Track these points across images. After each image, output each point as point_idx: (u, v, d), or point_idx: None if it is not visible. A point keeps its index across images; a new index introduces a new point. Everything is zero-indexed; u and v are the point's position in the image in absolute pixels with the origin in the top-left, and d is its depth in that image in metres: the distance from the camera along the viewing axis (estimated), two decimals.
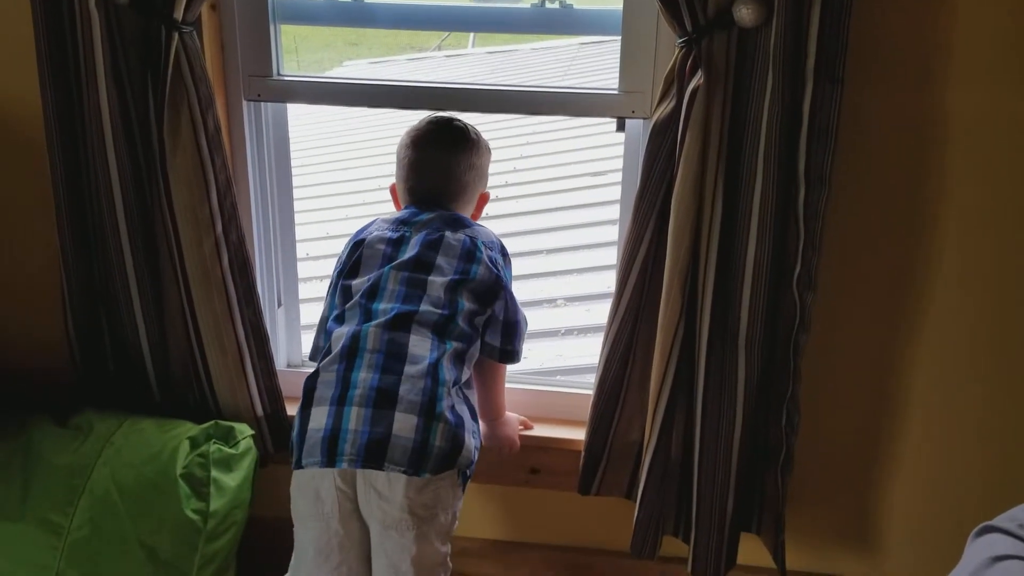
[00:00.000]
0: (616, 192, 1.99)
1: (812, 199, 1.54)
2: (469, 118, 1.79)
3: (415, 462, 1.50)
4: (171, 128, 1.65)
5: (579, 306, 3.10)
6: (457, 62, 5.79)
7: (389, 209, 1.85)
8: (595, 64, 4.90)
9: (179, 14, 1.58)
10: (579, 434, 1.83)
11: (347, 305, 1.65)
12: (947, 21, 1.55)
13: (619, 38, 1.69)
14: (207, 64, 1.67)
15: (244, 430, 1.75)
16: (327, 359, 1.60)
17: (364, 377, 1.55)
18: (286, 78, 1.82)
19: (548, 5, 2.00)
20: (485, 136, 1.78)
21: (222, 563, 1.70)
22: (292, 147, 1.95)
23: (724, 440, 1.68)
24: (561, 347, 2.86)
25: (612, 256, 1.88)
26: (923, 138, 1.62)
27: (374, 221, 1.75)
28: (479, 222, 1.77)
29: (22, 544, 1.64)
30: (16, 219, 1.90)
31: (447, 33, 5.73)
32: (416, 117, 1.80)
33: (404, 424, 1.51)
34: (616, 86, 1.72)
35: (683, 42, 1.50)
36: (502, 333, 1.69)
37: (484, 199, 1.81)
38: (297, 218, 2.00)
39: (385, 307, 1.61)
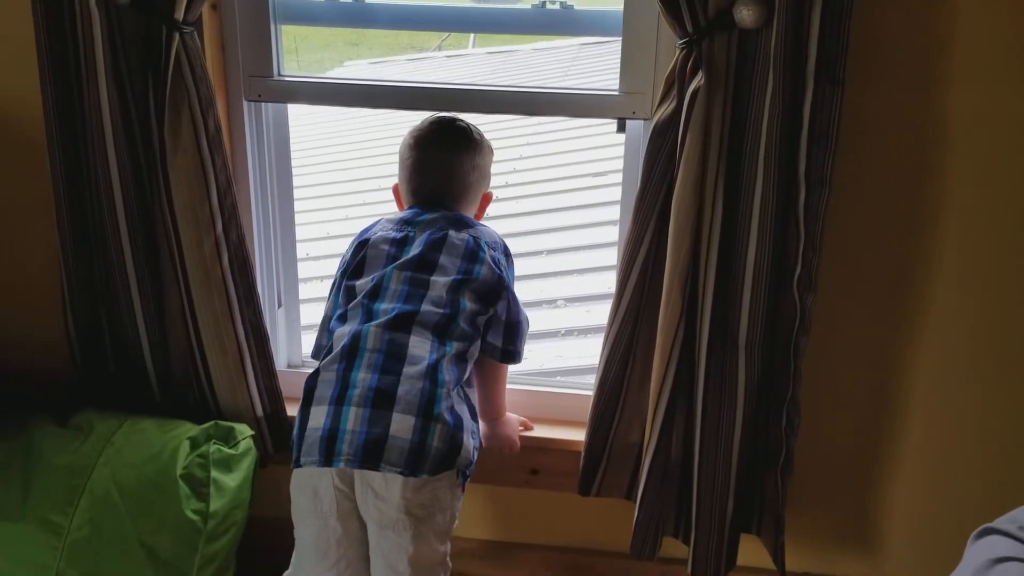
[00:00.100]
0: (616, 193, 1.99)
1: (812, 200, 1.54)
2: (470, 118, 1.79)
3: (412, 463, 1.50)
4: (171, 128, 1.65)
5: (579, 307, 3.10)
6: (457, 62, 5.79)
7: (389, 209, 1.85)
8: (596, 65, 4.90)
9: (180, 14, 1.58)
10: (579, 435, 1.83)
11: (350, 305, 1.65)
12: (947, 22, 1.55)
13: (620, 39, 1.69)
14: (208, 64, 1.67)
15: (244, 430, 1.75)
16: (328, 358, 1.61)
17: (363, 377, 1.55)
18: (287, 78, 1.82)
19: (549, 6, 2.00)
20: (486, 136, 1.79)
21: (222, 563, 1.70)
22: (292, 147, 1.95)
23: (724, 441, 1.68)
24: (561, 348, 2.86)
25: (612, 257, 1.88)
26: (923, 139, 1.62)
27: (378, 221, 1.75)
28: (482, 222, 1.77)
29: (22, 544, 1.64)
30: (16, 219, 1.90)
31: (447, 33, 5.73)
32: (417, 118, 1.80)
33: (402, 425, 1.51)
34: (617, 87, 1.72)
35: (684, 43, 1.50)
36: (504, 333, 1.69)
37: (487, 199, 1.82)
38: (297, 218, 2.00)
39: (387, 307, 1.61)
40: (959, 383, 1.77)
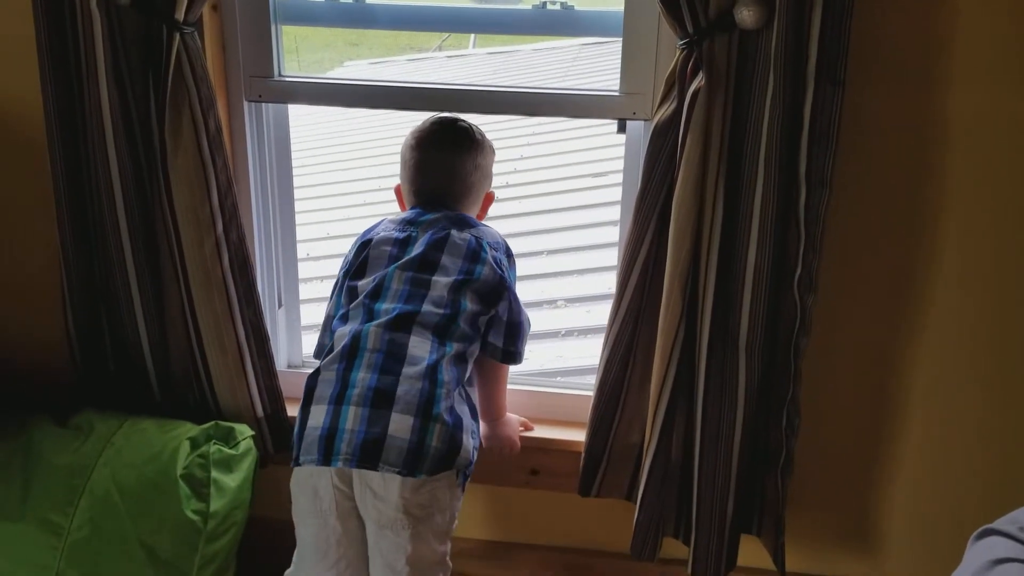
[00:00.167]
0: (617, 193, 1.99)
1: (813, 201, 1.54)
2: (471, 119, 1.79)
3: (410, 463, 1.50)
4: (172, 128, 1.65)
5: (579, 307, 3.10)
6: (458, 63, 5.79)
7: (390, 209, 1.85)
8: (596, 65, 4.90)
9: (180, 14, 1.58)
10: (579, 436, 1.83)
11: (351, 304, 1.65)
12: (947, 22, 1.55)
13: (620, 39, 1.69)
14: (208, 65, 1.67)
15: (244, 431, 1.75)
16: (328, 358, 1.61)
17: (363, 377, 1.55)
18: (287, 79, 1.82)
19: (549, 6, 2.00)
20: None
21: (222, 563, 1.70)
22: (293, 147, 1.95)
23: (724, 442, 1.68)
24: (561, 348, 2.86)
25: (613, 257, 1.88)
26: (923, 139, 1.62)
27: (381, 221, 1.75)
28: (484, 222, 1.77)
29: (22, 544, 1.64)
30: (16, 218, 1.90)
31: (448, 34, 5.73)
32: (417, 118, 1.80)
33: (400, 425, 1.51)
34: (617, 88, 1.72)
35: (684, 44, 1.50)
36: (505, 334, 1.69)
37: (489, 199, 1.82)
38: (298, 218, 2.00)
39: (388, 307, 1.61)
40: (959, 383, 1.77)
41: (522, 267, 1.82)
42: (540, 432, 1.90)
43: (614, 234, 2.37)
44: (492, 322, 1.68)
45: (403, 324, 1.59)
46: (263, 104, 1.86)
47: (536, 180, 4.16)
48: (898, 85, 1.59)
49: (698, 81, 1.49)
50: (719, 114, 1.52)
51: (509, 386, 1.83)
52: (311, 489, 1.58)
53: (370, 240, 1.71)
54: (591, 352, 2.20)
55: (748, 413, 1.66)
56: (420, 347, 1.58)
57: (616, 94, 1.73)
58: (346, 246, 1.77)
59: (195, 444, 1.70)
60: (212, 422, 1.75)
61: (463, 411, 1.59)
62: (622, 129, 1.83)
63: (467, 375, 1.64)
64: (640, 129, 1.75)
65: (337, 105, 1.94)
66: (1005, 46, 1.56)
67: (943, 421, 1.80)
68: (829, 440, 1.83)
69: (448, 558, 1.63)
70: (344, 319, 1.65)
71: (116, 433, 1.73)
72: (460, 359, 1.61)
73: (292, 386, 1.84)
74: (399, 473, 1.50)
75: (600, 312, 2.85)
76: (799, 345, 1.63)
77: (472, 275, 1.65)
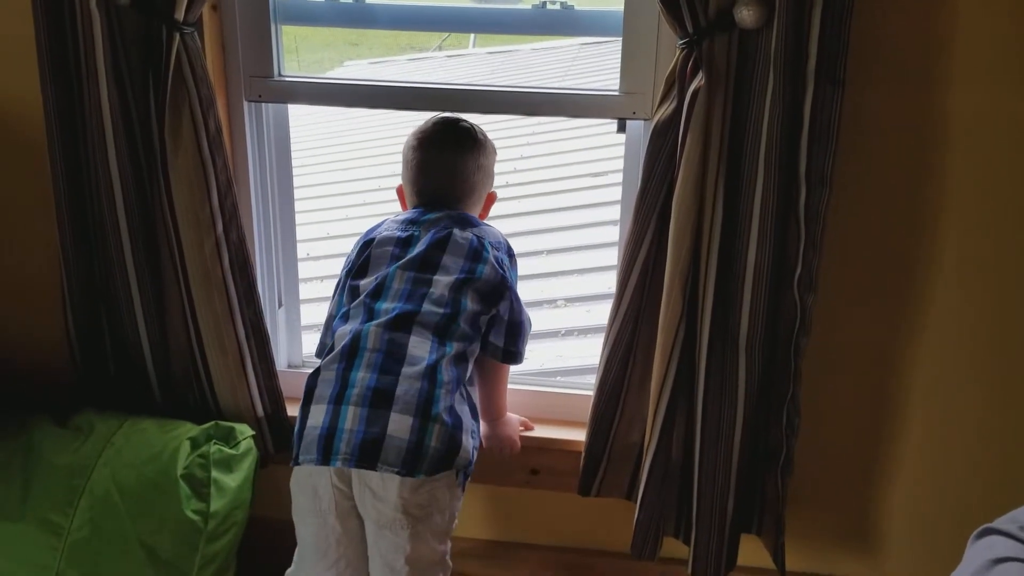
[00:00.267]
0: (617, 193, 1.99)
1: (813, 200, 1.54)
2: (471, 118, 1.79)
3: (409, 463, 1.50)
4: (172, 128, 1.65)
5: (579, 307, 3.10)
6: (458, 62, 5.79)
7: (390, 209, 1.85)
8: (596, 65, 4.90)
9: (180, 14, 1.58)
10: (579, 435, 1.83)
11: (353, 304, 1.65)
12: (947, 22, 1.55)
13: (620, 39, 1.69)
14: (208, 65, 1.67)
15: (244, 431, 1.75)
16: (328, 358, 1.61)
17: (362, 377, 1.55)
18: (287, 79, 1.82)
19: (549, 6, 2.00)
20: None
21: (222, 563, 1.70)
22: (293, 147, 1.95)
23: (724, 442, 1.68)
24: (561, 348, 2.86)
25: (613, 257, 1.88)
26: (923, 139, 1.62)
27: (384, 221, 1.75)
28: (485, 221, 1.77)
29: (22, 544, 1.64)
30: (16, 219, 1.90)
31: (447, 33, 5.73)
32: (417, 118, 1.80)
33: (400, 424, 1.51)
34: (617, 87, 1.72)
35: (684, 43, 1.50)
36: (506, 333, 1.69)
37: (491, 199, 1.82)
38: (298, 218, 2.00)
39: (388, 307, 1.61)
40: (959, 383, 1.77)
41: (522, 267, 1.82)
42: (540, 432, 1.90)
43: (614, 234, 2.37)
44: (493, 322, 1.68)
45: (403, 324, 1.59)
46: (263, 104, 1.86)
47: (536, 180, 4.16)
48: (898, 85, 1.59)
49: (698, 80, 1.49)
50: (719, 113, 1.52)
51: (509, 386, 1.83)
52: (310, 488, 1.58)
53: (372, 239, 1.71)
54: (591, 352, 2.20)
55: (748, 412, 1.66)
56: (420, 347, 1.58)
57: (616, 94, 1.73)
58: (346, 246, 1.77)
59: (195, 444, 1.70)
60: (212, 422, 1.75)
61: (463, 411, 1.59)
62: (622, 129, 1.83)
63: (468, 375, 1.64)
64: (640, 129, 1.75)
65: (337, 105, 1.94)
66: (1005, 46, 1.56)
67: (943, 421, 1.80)
68: (829, 440, 1.83)
69: (448, 558, 1.63)
70: (345, 318, 1.65)
71: (116, 433, 1.73)
72: (460, 359, 1.61)
73: (292, 386, 1.84)
74: (398, 473, 1.50)
75: (600, 312, 2.85)
76: (799, 344, 1.63)
77: (474, 274, 1.65)
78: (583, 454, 1.81)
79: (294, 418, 1.62)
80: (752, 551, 1.83)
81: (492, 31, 4.10)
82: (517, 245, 1.80)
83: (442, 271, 1.64)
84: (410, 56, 6.07)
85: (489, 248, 1.68)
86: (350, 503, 1.57)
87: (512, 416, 1.85)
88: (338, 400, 1.55)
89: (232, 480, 1.69)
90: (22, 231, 1.90)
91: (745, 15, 1.45)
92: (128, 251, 1.74)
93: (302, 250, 2.10)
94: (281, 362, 2.02)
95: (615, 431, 1.78)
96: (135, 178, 1.71)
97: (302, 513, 1.62)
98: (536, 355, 2.75)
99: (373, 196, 4.10)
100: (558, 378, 2.19)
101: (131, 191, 1.71)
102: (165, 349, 1.82)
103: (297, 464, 1.58)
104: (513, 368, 1.79)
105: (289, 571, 1.67)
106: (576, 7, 1.86)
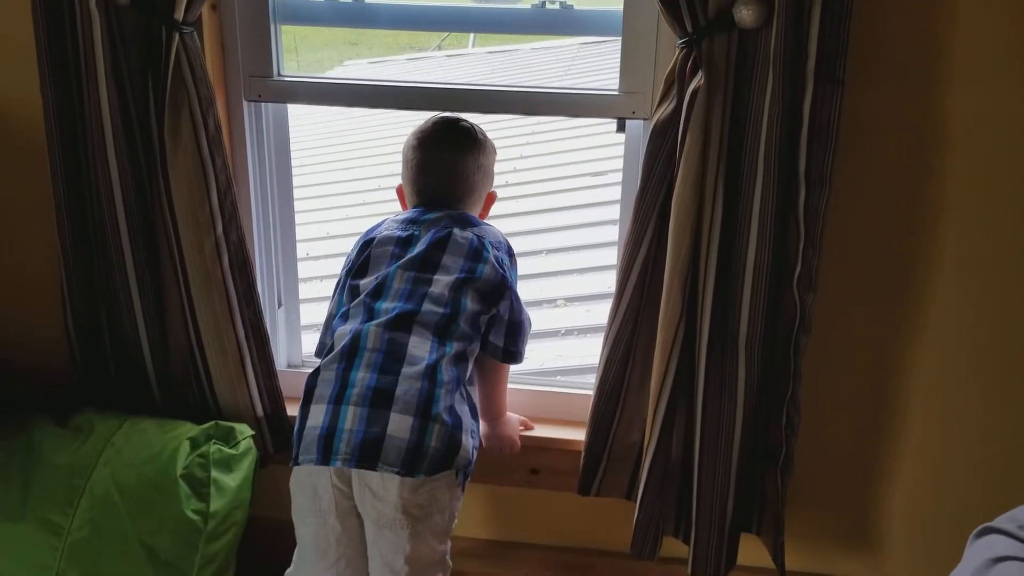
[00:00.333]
0: (616, 192, 1.99)
1: (812, 200, 1.54)
2: (471, 118, 1.79)
3: (409, 463, 1.50)
4: (171, 128, 1.65)
5: (579, 306, 3.10)
6: (457, 62, 5.79)
7: (389, 209, 1.85)
8: (595, 64, 4.90)
9: (179, 14, 1.58)
10: (579, 435, 1.83)
11: (352, 303, 1.65)
12: (947, 22, 1.55)
13: (619, 39, 1.69)
14: (207, 64, 1.67)
15: (244, 430, 1.75)
16: (328, 357, 1.61)
17: (362, 376, 1.55)
18: (286, 79, 1.82)
19: (549, 6, 2.00)
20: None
21: (222, 563, 1.70)
22: (292, 147, 1.95)
23: (724, 441, 1.68)
24: (561, 347, 2.86)
25: (612, 256, 1.88)
26: (923, 138, 1.62)
27: (384, 221, 1.75)
28: (485, 221, 1.77)
29: (22, 544, 1.64)
30: (16, 219, 1.90)
31: (447, 33, 5.73)
32: (417, 117, 1.80)
33: (399, 424, 1.51)
34: (616, 87, 1.72)
35: (683, 43, 1.50)
36: (506, 333, 1.69)
37: (491, 199, 1.82)
38: (297, 218, 2.00)
39: (388, 306, 1.61)
40: (959, 383, 1.77)
41: (522, 266, 1.82)
42: (540, 431, 1.90)
43: (613, 233, 2.37)
44: (493, 321, 1.68)
45: (403, 323, 1.59)
46: (263, 104, 1.86)
47: (535, 179, 4.16)
48: (898, 85, 1.59)
49: (697, 80, 1.49)
50: (718, 113, 1.52)
51: (509, 386, 1.83)
52: (310, 488, 1.58)
53: (372, 239, 1.71)
54: (591, 351, 2.20)
55: (748, 411, 1.66)
56: (420, 347, 1.58)
57: (615, 93, 1.73)
58: (346, 246, 1.77)
59: (195, 444, 1.70)
60: (212, 422, 1.75)
61: (463, 411, 1.59)
62: (621, 128, 1.83)
63: (468, 374, 1.64)
64: (639, 128, 1.75)
65: (337, 105, 1.94)
66: (1005, 46, 1.56)
67: (943, 421, 1.80)
68: (829, 439, 1.83)
69: (448, 557, 1.63)
70: (345, 318, 1.65)
71: (116, 433, 1.73)
72: (460, 359, 1.61)
73: (292, 386, 1.84)
74: (397, 473, 1.50)
75: (600, 311, 2.85)
76: (799, 343, 1.63)
77: (474, 274, 1.65)
78: (583, 454, 1.81)
79: (294, 418, 1.62)
80: (752, 551, 1.83)
81: (492, 31, 4.11)
82: (517, 245, 1.81)
83: (442, 271, 1.64)
84: (410, 56, 6.06)
85: (489, 248, 1.68)
86: (350, 503, 1.57)
87: (512, 416, 1.85)
88: (338, 400, 1.55)
89: (232, 480, 1.70)
90: (22, 231, 1.90)
91: (744, 15, 1.45)
92: (128, 251, 1.74)
93: (302, 250, 2.10)
94: (281, 362, 2.02)
95: (615, 430, 1.78)
96: (135, 178, 1.71)
97: (302, 513, 1.62)
98: (536, 355, 2.75)
99: (373, 196, 4.10)
100: (558, 378, 2.19)
101: (131, 191, 1.71)
102: (165, 349, 1.82)
103: (297, 464, 1.58)
104: (513, 368, 1.79)
105: (289, 571, 1.67)
106: (576, 7, 1.86)
